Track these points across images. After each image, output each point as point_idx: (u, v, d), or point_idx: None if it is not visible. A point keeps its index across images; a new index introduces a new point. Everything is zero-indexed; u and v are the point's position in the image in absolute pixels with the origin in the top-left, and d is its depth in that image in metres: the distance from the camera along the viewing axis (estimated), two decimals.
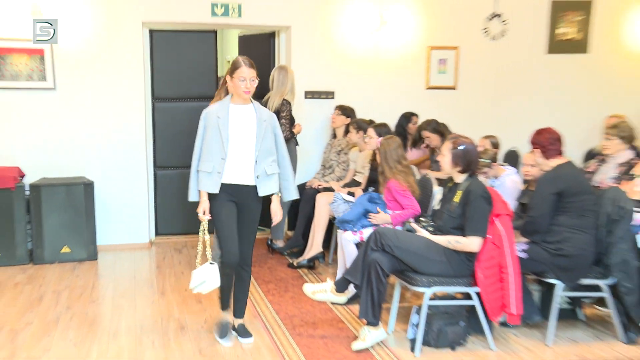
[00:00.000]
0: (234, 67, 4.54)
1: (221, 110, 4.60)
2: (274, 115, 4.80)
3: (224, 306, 4.95)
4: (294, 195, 4.91)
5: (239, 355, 4.77)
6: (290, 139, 7.17)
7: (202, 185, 4.62)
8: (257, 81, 4.58)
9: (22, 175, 7.25)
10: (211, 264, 4.66)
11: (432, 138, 7.24)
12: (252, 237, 4.85)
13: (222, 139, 4.53)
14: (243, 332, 4.94)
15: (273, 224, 4.95)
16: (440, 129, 7.22)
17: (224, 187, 4.61)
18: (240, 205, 4.70)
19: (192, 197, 4.75)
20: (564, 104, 8.77)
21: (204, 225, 4.68)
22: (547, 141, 5.16)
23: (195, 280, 4.65)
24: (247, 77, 4.48)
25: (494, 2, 8.43)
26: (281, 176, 4.80)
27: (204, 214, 4.63)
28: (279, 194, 4.84)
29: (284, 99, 7.11)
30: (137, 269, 7.02)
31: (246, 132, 4.60)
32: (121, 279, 6.65)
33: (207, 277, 4.61)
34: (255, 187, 4.67)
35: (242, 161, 4.59)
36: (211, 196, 4.64)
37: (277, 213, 4.80)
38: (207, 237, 4.74)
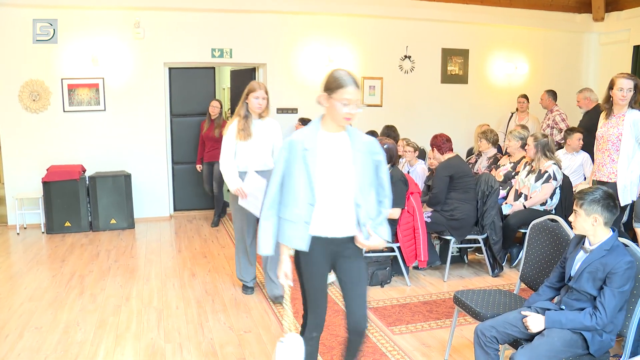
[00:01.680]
0: (336, 85, 2.51)
1: (309, 140, 2.57)
2: (374, 141, 2.69)
3: None
4: (371, 238, 2.66)
5: (234, 293, 4.81)
6: None
7: (284, 238, 2.61)
8: (362, 108, 2.53)
9: (84, 170, 7.22)
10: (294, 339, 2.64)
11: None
12: (364, 295, 2.74)
13: (310, 179, 2.54)
14: None
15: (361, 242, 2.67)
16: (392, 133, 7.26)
17: (314, 240, 2.59)
18: (340, 259, 2.67)
19: (264, 249, 2.65)
20: (452, 117, 8.84)
21: (287, 292, 2.67)
22: (440, 142, 5.24)
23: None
24: (353, 99, 2.49)
25: (405, 48, 8.53)
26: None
27: (285, 277, 2.62)
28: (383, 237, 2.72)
29: None
30: (161, 234, 7.00)
31: (340, 168, 2.58)
32: (151, 241, 6.64)
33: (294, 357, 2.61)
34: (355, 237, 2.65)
35: (339, 206, 2.58)
36: (297, 251, 2.63)
37: (375, 242, 2.67)
38: (289, 307, 2.72)
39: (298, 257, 2.67)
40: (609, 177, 4.45)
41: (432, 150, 5.34)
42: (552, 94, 7.73)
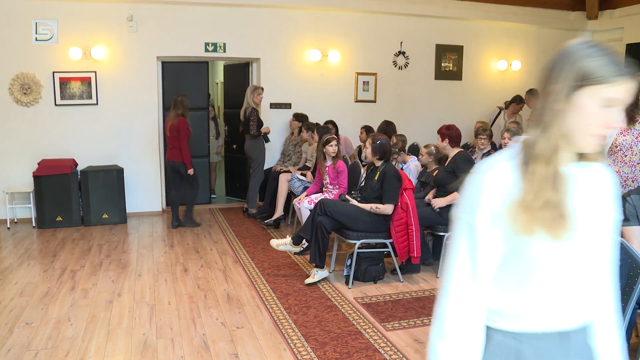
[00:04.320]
0: None
1: None
2: None
3: None
4: None
5: (226, 288, 4.81)
6: (259, 137, 7.13)
7: None
8: None
9: (76, 164, 7.16)
10: None
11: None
12: None
13: None
14: None
15: None
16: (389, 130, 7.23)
17: None
18: None
19: None
20: (446, 113, 8.80)
21: None
22: (455, 134, 5.20)
23: None
24: None
25: (399, 44, 8.52)
26: None
27: None
28: None
29: (252, 108, 7.10)
30: (153, 229, 6.97)
31: None
32: (143, 236, 6.61)
33: None
34: None
35: None
36: None
37: None
38: None
39: None
40: None
41: (442, 140, 5.25)
42: (533, 93, 7.77)
